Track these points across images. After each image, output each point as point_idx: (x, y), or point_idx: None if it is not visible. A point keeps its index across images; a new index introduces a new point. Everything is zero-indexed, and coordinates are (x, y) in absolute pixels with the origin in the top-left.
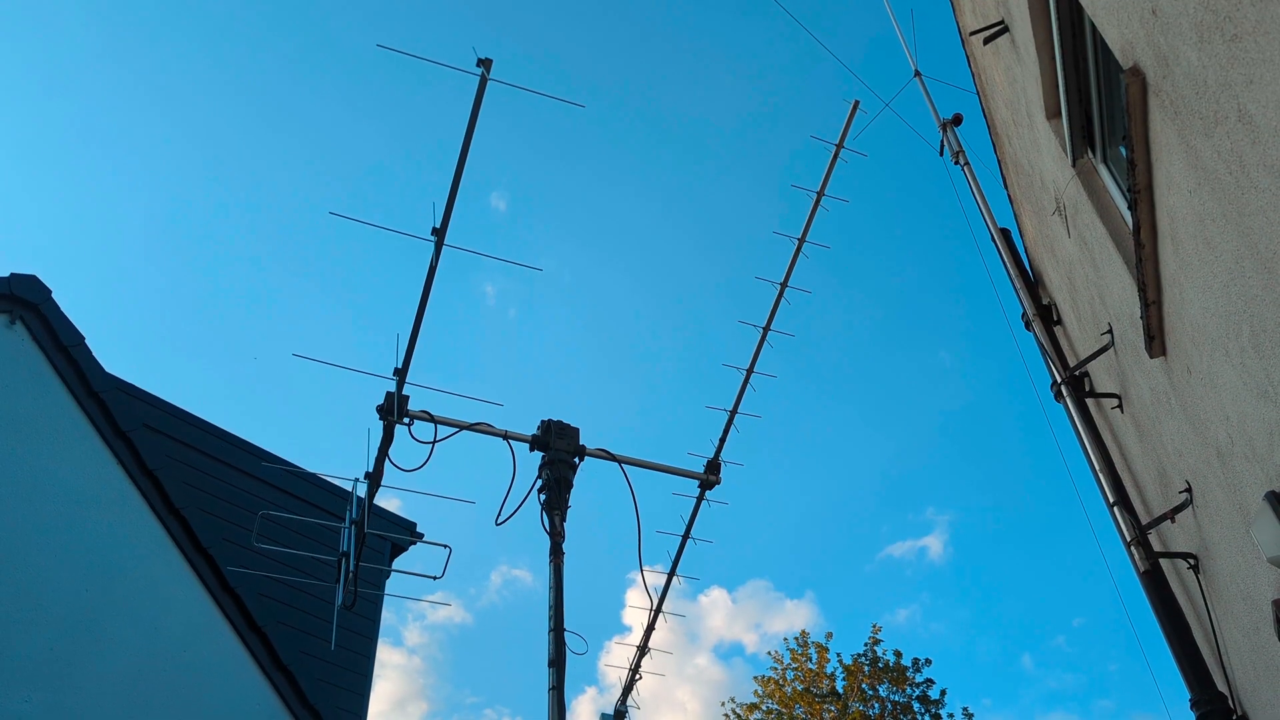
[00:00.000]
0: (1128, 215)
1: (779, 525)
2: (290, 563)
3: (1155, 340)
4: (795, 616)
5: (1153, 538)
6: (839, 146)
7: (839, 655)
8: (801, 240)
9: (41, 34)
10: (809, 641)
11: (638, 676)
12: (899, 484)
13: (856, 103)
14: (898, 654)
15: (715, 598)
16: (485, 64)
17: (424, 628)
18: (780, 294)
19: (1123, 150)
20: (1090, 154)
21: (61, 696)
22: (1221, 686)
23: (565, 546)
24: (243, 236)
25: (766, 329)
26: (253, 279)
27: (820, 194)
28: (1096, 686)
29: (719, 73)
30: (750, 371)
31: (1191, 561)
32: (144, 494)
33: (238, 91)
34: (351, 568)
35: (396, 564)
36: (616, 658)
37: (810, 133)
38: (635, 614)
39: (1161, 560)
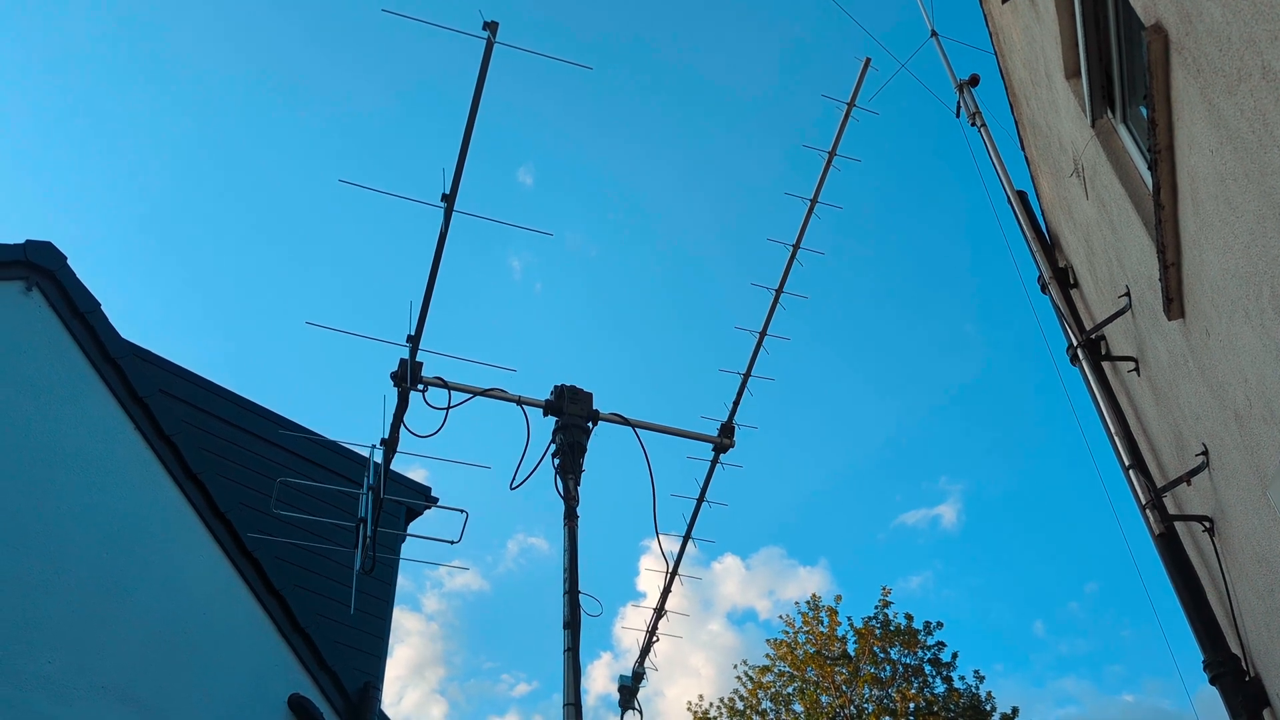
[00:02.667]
0: (1147, 176)
1: (792, 492)
2: (307, 528)
3: (1174, 302)
4: (808, 583)
5: (1168, 501)
6: (850, 105)
7: (849, 619)
8: (813, 201)
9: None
10: (820, 605)
11: (655, 639)
12: (911, 452)
13: (868, 60)
14: (909, 617)
15: (729, 565)
16: (491, 27)
17: (442, 595)
18: (793, 255)
19: (1143, 110)
20: (1110, 114)
21: (84, 658)
22: (1235, 648)
23: (579, 511)
24: (257, 205)
25: (779, 291)
26: (268, 247)
27: (832, 153)
28: (1108, 652)
29: (732, 34)
30: (763, 334)
31: (1207, 524)
32: (162, 459)
33: (250, 59)
34: (369, 533)
35: (413, 529)
36: (633, 621)
37: (824, 93)
38: (649, 581)
39: (1177, 523)
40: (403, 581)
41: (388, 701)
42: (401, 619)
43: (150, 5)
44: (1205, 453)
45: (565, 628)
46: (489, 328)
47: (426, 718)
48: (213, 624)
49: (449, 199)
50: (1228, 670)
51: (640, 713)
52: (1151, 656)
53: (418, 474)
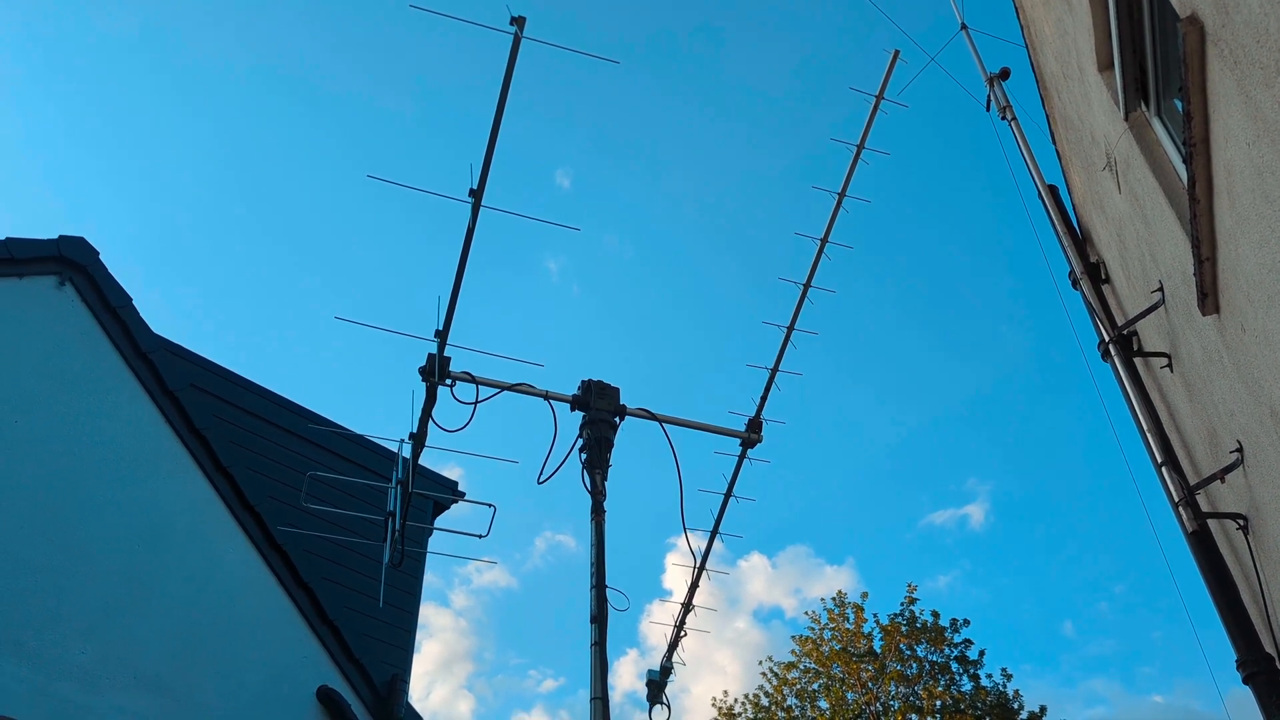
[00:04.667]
0: (1182, 169)
1: (819, 491)
2: (336, 521)
3: (1208, 297)
4: (835, 582)
5: (1201, 499)
6: (879, 97)
7: (875, 615)
8: (841, 195)
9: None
10: (846, 602)
11: (682, 633)
12: (939, 453)
13: (896, 52)
14: (935, 614)
15: (755, 563)
16: (519, 22)
17: (471, 591)
18: (820, 250)
19: (1178, 103)
20: (1143, 107)
21: (115, 649)
22: (1269, 647)
23: (606, 507)
24: (285, 204)
25: (807, 285)
26: (298, 245)
27: (860, 146)
28: (1138, 653)
29: (760, 29)
30: (791, 328)
31: (1241, 522)
32: (192, 453)
33: (273, 63)
34: (398, 527)
35: (440, 523)
36: (660, 618)
37: (853, 86)
38: (676, 579)
39: (1210, 521)
40: (432, 578)
41: (416, 697)
42: (431, 615)
43: (176, 13)
44: (1240, 449)
45: (592, 622)
46: (522, 329)
47: (454, 713)
48: (242, 616)
49: (476, 194)
50: (1262, 670)
51: (668, 707)
52: (1182, 658)
53: (452, 472)
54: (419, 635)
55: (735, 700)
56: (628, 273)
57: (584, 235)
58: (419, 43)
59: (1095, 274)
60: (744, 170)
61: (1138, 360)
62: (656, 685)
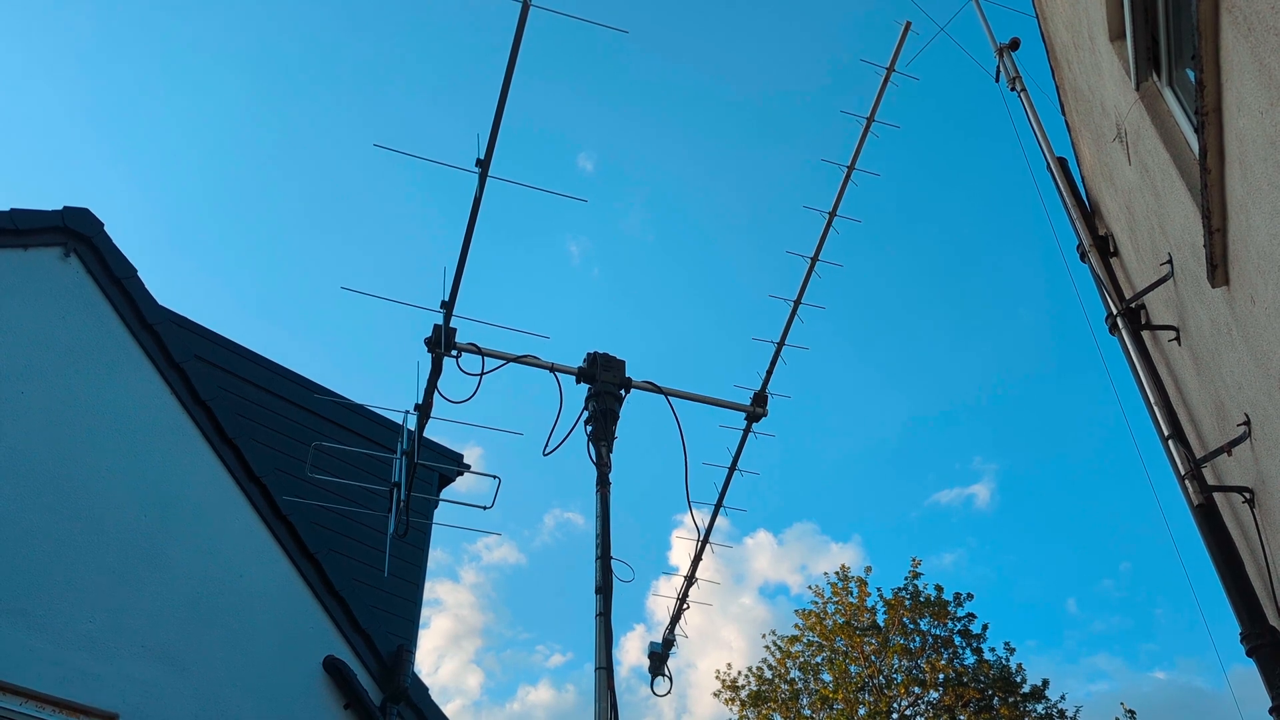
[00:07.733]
0: (1193, 139)
1: (825, 469)
2: (341, 492)
3: (1218, 269)
4: (841, 559)
5: (1207, 472)
6: (889, 70)
7: (879, 590)
8: (850, 167)
9: None
10: (849, 576)
11: (685, 606)
12: (945, 432)
13: (908, 24)
14: (939, 588)
15: (761, 540)
16: None
17: (480, 568)
18: (828, 224)
19: (1190, 73)
20: (1155, 77)
21: (123, 617)
22: (1274, 621)
23: (612, 479)
24: (295, 171)
25: (814, 259)
26: (305, 216)
27: (870, 119)
28: (1142, 630)
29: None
30: (798, 303)
31: (1247, 495)
32: (198, 424)
33: (289, 26)
34: (403, 498)
35: (446, 496)
36: (664, 590)
37: (863, 58)
38: (682, 556)
39: (1216, 494)
40: (442, 554)
41: (425, 671)
42: (441, 591)
43: None
44: (1247, 422)
45: (598, 593)
46: (540, 309)
47: (463, 686)
48: (249, 586)
49: (483, 164)
50: (1266, 643)
51: (670, 679)
52: (1186, 635)
53: (469, 451)
54: (429, 611)
55: (739, 673)
56: (647, 252)
57: (605, 216)
58: (432, 15)
59: (1104, 247)
60: (756, 145)
61: (1145, 333)
62: (659, 657)
